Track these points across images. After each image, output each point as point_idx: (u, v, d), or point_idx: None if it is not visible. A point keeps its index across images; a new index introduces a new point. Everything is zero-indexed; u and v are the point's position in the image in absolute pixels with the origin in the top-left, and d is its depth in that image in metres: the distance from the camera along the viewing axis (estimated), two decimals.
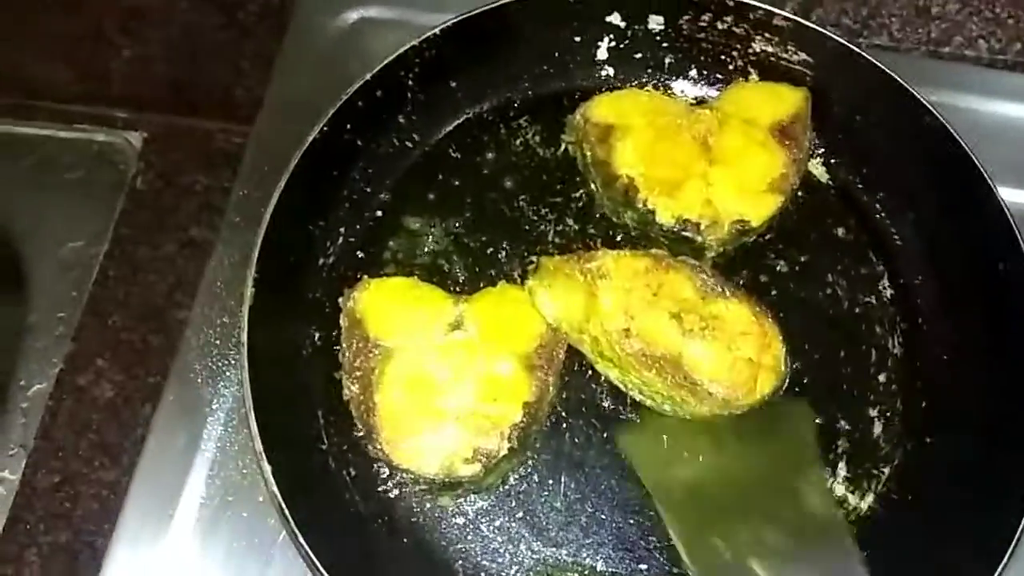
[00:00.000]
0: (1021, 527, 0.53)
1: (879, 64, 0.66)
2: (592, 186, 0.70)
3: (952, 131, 0.64)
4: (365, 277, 0.63)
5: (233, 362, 0.67)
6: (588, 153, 0.69)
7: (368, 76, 0.65)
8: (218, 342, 0.68)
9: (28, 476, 0.68)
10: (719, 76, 0.74)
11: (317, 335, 0.64)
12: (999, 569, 0.52)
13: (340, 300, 0.62)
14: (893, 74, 0.66)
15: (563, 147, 0.72)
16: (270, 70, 0.77)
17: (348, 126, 0.65)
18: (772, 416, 0.62)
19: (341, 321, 0.62)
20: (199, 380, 0.67)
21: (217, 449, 0.64)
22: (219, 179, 0.77)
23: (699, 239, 0.65)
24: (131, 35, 0.87)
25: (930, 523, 0.59)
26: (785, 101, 0.69)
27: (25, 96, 0.84)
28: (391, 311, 0.61)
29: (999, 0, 0.87)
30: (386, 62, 0.66)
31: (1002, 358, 0.61)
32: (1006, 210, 0.62)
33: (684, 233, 0.65)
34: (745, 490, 0.60)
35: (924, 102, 0.65)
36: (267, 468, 0.54)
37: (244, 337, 0.57)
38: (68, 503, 0.67)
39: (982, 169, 0.63)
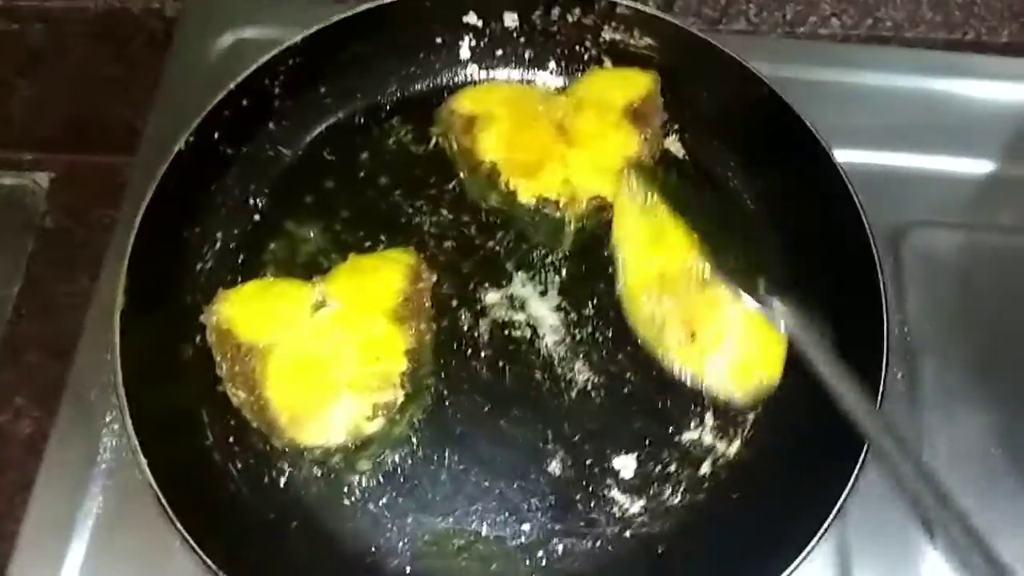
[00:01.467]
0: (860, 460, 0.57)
1: (713, 42, 0.71)
2: (461, 176, 0.73)
3: (783, 98, 0.69)
4: (221, 290, 0.65)
5: None
6: (454, 144, 0.73)
7: (232, 85, 0.68)
8: (108, 358, 0.68)
9: None
10: (576, 66, 0.78)
11: (197, 339, 0.65)
12: (849, 483, 0.56)
13: (202, 318, 0.64)
14: (726, 49, 0.71)
15: (433, 141, 0.75)
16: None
17: (216, 135, 0.68)
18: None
19: (208, 337, 0.63)
20: (91, 396, 0.67)
21: (112, 460, 0.65)
22: (124, 212, 0.77)
23: (559, 215, 0.69)
24: (27, 76, 0.89)
25: (791, 459, 0.63)
26: (636, 84, 0.73)
27: None
28: (255, 313, 0.63)
29: None
30: (249, 71, 0.69)
31: (843, 306, 0.66)
32: (840, 170, 0.67)
33: (545, 211, 0.69)
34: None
35: (758, 74, 0.70)
36: (149, 475, 0.55)
37: (115, 340, 0.58)
38: None
39: (814, 131, 0.68)
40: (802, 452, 0.62)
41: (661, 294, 0.65)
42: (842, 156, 0.71)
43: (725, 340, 0.64)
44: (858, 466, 0.57)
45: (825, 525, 0.55)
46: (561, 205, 0.69)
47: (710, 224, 0.67)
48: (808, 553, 0.55)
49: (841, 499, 0.56)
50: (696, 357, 0.64)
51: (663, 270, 0.66)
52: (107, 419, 0.66)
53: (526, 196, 0.69)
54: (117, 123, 0.86)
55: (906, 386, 0.70)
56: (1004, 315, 0.74)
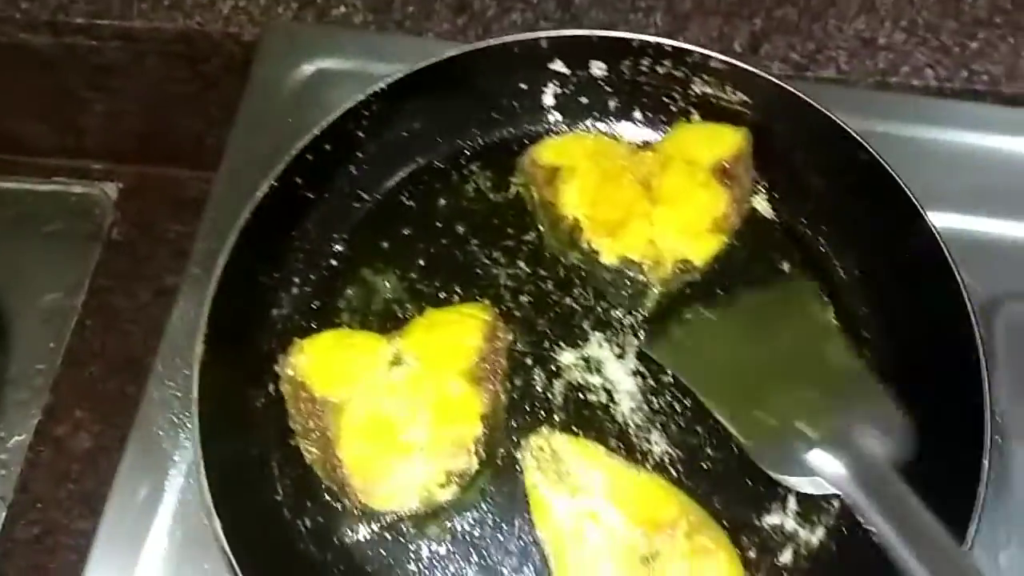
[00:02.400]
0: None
1: (810, 101, 0.68)
2: (540, 228, 0.71)
3: (883, 162, 0.66)
4: (296, 340, 0.64)
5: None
6: (535, 195, 0.71)
7: (316, 130, 0.67)
8: (179, 395, 0.68)
9: (8, 528, 0.69)
10: (662, 118, 0.76)
11: (271, 387, 0.64)
12: None
13: (276, 368, 0.63)
14: (824, 110, 0.68)
15: (512, 191, 0.74)
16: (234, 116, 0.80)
17: (298, 180, 0.67)
18: (785, 299, 0.68)
19: (283, 388, 0.63)
20: (160, 433, 0.67)
21: (179, 501, 0.65)
22: (192, 226, 0.78)
23: (642, 278, 0.66)
24: (101, 91, 0.90)
25: (877, 552, 0.59)
26: (725, 141, 0.71)
27: (3, 151, 0.87)
28: (330, 366, 0.62)
29: (944, 28, 0.89)
30: (334, 116, 0.68)
31: (944, 378, 0.62)
32: (937, 236, 0.64)
33: (627, 272, 0.67)
34: (775, 364, 0.64)
35: (856, 136, 0.67)
36: (216, 524, 0.55)
37: (194, 392, 0.58)
38: (47, 554, 0.68)
39: (913, 198, 0.65)
40: None
41: None
42: (931, 220, 0.67)
43: None
44: None
45: None
46: (645, 268, 0.66)
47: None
48: None
49: None
50: None
51: (601, 552, 0.56)
52: (176, 458, 0.66)
53: (608, 256, 0.67)
54: (187, 138, 0.88)
55: (995, 475, 0.65)
56: None
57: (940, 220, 0.65)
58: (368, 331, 0.66)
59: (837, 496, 0.62)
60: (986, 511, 0.62)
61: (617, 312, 0.69)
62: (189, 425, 0.67)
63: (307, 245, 0.70)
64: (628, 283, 0.67)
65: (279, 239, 0.68)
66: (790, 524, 0.62)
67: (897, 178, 0.65)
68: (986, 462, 0.56)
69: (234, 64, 0.88)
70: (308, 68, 0.82)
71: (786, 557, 0.61)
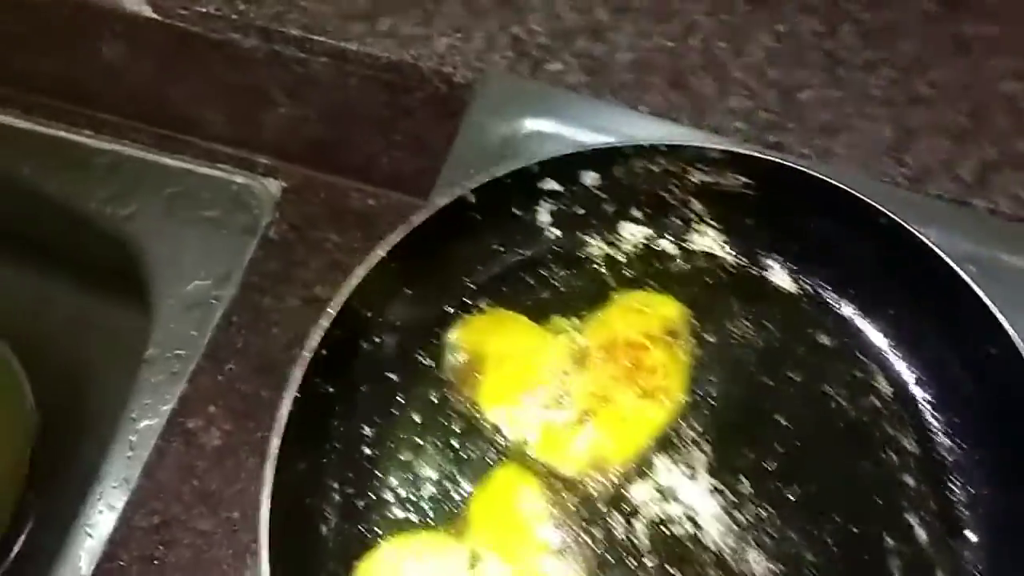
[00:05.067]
0: None
1: (813, 172, 0.67)
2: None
3: (902, 222, 0.66)
4: (355, 563, 0.59)
5: None
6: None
7: (324, 322, 0.61)
8: None
9: (128, 513, 0.68)
10: (661, 211, 0.73)
11: None
12: None
13: None
14: (827, 178, 0.66)
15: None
16: (419, 147, 0.83)
17: (317, 379, 0.61)
18: None
19: None
20: None
21: None
22: (349, 239, 0.79)
23: None
24: (293, 96, 0.88)
25: None
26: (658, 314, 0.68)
27: (176, 130, 0.88)
28: None
29: None
30: (339, 305, 0.62)
31: (1008, 428, 0.63)
32: (973, 286, 0.64)
33: None
34: None
35: (866, 200, 0.66)
36: None
37: None
38: (162, 546, 0.67)
39: (940, 253, 0.64)
40: None
41: None
42: None
43: None
44: None
45: None
46: None
47: None
48: None
49: None
50: None
51: None
52: None
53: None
54: (362, 152, 0.87)
55: None
56: None
57: None
58: (430, 529, 0.61)
59: (942, 567, 0.62)
60: None
61: (675, 427, 0.66)
62: None
63: (336, 442, 0.64)
64: None
65: (311, 449, 0.62)
66: None
67: (921, 236, 0.65)
68: None
69: (435, 101, 0.85)
70: (524, 126, 0.79)
71: None
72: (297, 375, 0.59)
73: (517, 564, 0.58)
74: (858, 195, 0.66)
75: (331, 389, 0.63)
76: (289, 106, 0.89)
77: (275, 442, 0.57)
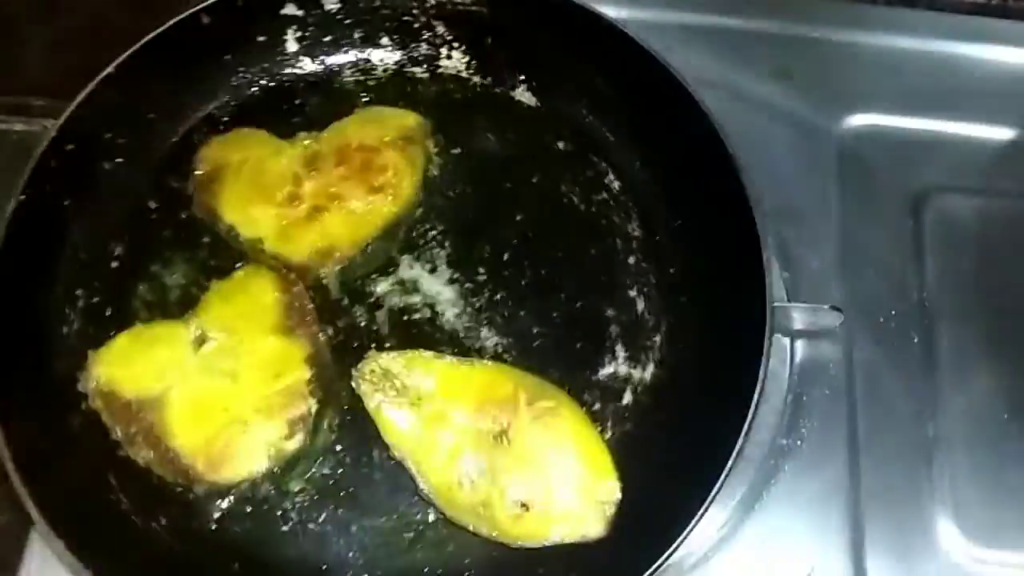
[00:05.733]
0: (765, 349, 0.59)
1: None
2: None
3: (617, 25, 0.69)
4: (90, 352, 0.61)
5: None
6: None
7: (53, 131, 0.63)
8: None
9: None
10: (408, 37, 0.76)
11: (83, 405, 0.61)
12: (756, 388, 0.58)
13: (78, 386, 0.60)
14: None
15: None
16: None
17: (48, 188, 0.63)
18: None
19: (92, 403, 0.60)
20: None
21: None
22: None
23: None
24: (41, 24, 0.85)
25: (703, 370, 0.65)
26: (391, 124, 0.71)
27: None
28: (134, 367, 0.60)
29: None
30: (68, 112, 0.64)
31: (720, 210, 0.68)
32: (678, 77, 0.68)
33: None
34: None
35: (589, 8, 0.70)
36: (60, 545, 0.52)
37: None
38: None
39: (648, 49, 0.69)
40: (713, 359, 0.65)
41: (472, 477, 0.57)
42: (865, 119, 0.74)
43: (558, 490, 0.57)
44: (762, 365, 0.59)
45: (746, 423, 0.57)
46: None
47: None
48: (737, 452, 0.57)
49: (756, 391, 0.58)
50: (536, 524, 0.57)
51: (458, 446, 0.58)
52: None
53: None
54: None
55: (921, 351, 0.72)
56: (1021, 284, 0.75)
57: (870, 120, 0.71)
58: (164, 321, 0.64)
59: (657, 332, 0.68)
60: (913, 385, 0.70)
61: (420, 229, 0.70)
62: None
63: (82, 254, 0.66)
64: None
65: (46, 256, 0.64)
66: (623, 369, 0.66)
67: (642, 44, 0.68)
68: (764, 262, 0.61)
69: None
70: None
71: (627, 399, 0.65)
72: (22, 178, 0.61)
73: (242, 342, 0.61)
74: (578, 2, 0.71)
75: (67, 202, 0.65)
76: (41, 36, 0.84)
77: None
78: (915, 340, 0.72)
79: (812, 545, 0.66)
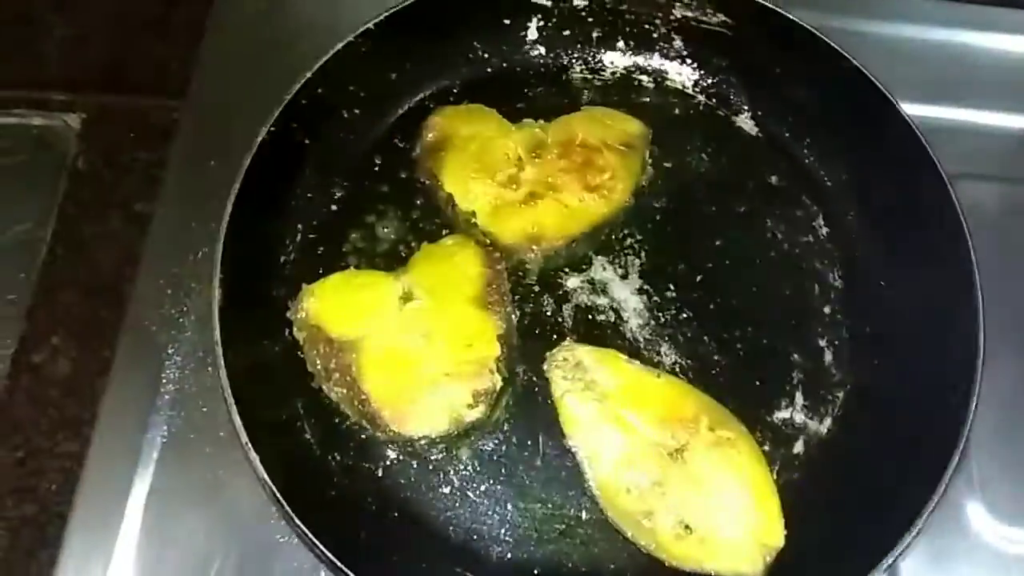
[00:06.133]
0: (967, 423, 0.57)
1: (788, 15, 0.70)
2: None
3: (864, 70, 0.68)
4: (305, 286, 0.64)
5: (185, 309, 0.69)
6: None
7: (308, 74, 0.67)
8: (169, 291, 0.70)
9: None
10: (644, 44, 0.77)
11: (287, 333, 0.65)
12: (950, 467, 0.56)
13: (289, 315, 0.64)
14: (801, 22, 0.70)
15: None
16: (201, 40, 0.79)
17: (294, 125, 0.67)
18: None
19: (297, 335, 0.64)
20: (153, 328, 0.69)
21: (176, 391, 0.67)
22: (157, 153, 0.78)
23: None
24: (62, 14, 0.87)
25: (883, 434, 0.63)
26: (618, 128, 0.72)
27: None
28: (343, 308, 0.63)
29: None
30: (324, 59, 0.68)
31: (936, 277, 0.66)
32: (916, 130, 0.66)
33: None
34: None
35: (835, 47, 0.69)
36: (255, 457, 0.56)
37: (216, 336, 0.58)
38: (33, 477, 0.68)
39: (892, 99, 0.67)
40: (894, 429, 0.63)
41: (641, 485, 0.58)
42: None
43: (724, 521, 0.57)
44: (963, 437, 0.57)
45: (929, 508, 0.55)
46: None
47: None
48: (915, 532, 0.55)
49: (946, 475, 0.56)
50: (695, 549, 0.57)
51: (633, 452, 0.59)
52: (169, 351, 0.68)
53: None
54: (149, 64, 0.85)
55: None
56: None
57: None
58: (374, 270, 0.67)
59: (841, 388, 0.66)
60: None
61: (618, 234, 0.71)
62: (181, 320, 0.69)
63: (308, 192, 0.70)
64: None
65: (280, 187, 0.68)
66: (799, 417, 0.65)
67: (880, 85, 0.68)
68: (981, 335, 0.59)
69: None
70: None
71: (798, 447, 0.64)
72: (274, 113, 0.65)
73: (445, 307, 0.63)
74: (825, 39, 0.70)
75: (307, 141, 0.69)
76: (63, 27, 0.85)
77: (245, 163, 0.63)
78: None
79: None
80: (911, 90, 0.76)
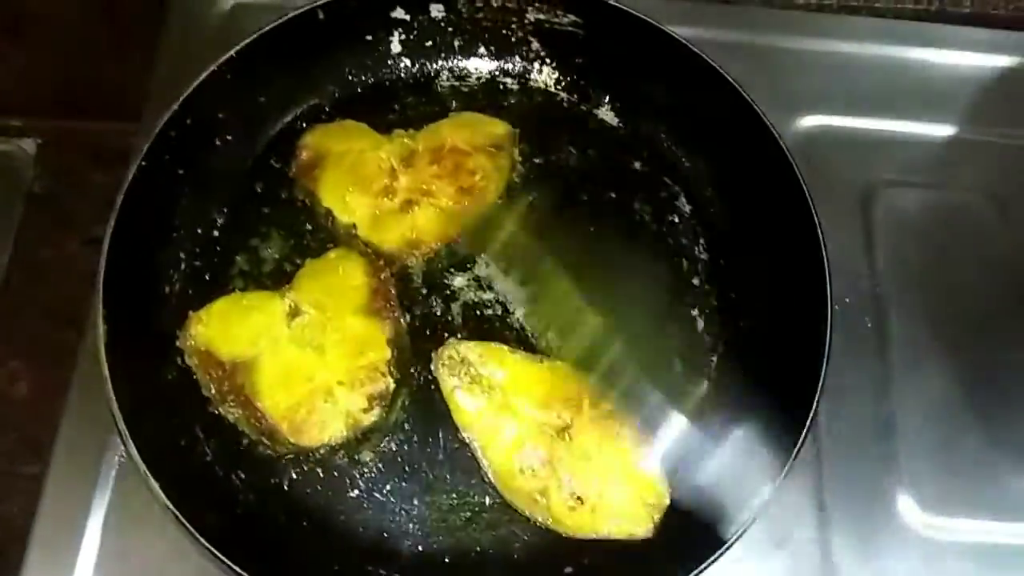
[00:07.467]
0: (820, 379, 0.63)
1: (633, 12, 0.75)
2: None
3: (703, 55, 0.73)
4: (191, 313, 0.66)
5: None
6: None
7: (175, 106, 0.68)
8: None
9: None
10: (505, 49, 0.81)
11: (179, 360, 0.66)
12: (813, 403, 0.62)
13: (177, 343, 0.65)
14: (645, 17, 0.74)
15: None
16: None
17: (166, 157, 0.68)
18: None
19: (188, 362, 0.65)
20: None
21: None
22: (114, 176, 0.74)
23: None
24: (16, 39, 0.85)
25: (752, 389, 0.68)
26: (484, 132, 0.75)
27: None
28: (230, 331, 0.65)
29: None
30: (189, 90, 0.69)
31: (784, 240, 0.71)
32: (755, 107, 0.72)
33: None
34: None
35: (678, 38, 0.74)
36: (155, 485, 0.57)
37: (105, 371, 0.59)
38: None
39: (739, 88, 0.73)
40: (764, 383, 0.68)
41: (533, 466, 0.62)
42: (815, 120, 0.80)
43: (611, 489, 0.61)
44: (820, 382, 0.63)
45: (797, 448, 0.61)
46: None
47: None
48: (784, 474, 0.60)
49: (810, 415, 0.61)
50: (588, 517, 0.61)
51: (522, 436, 0.62)
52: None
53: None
54: (104, 88, 0.85)
55: (875, 336, 0.76)
56: (965, 271, 0.79)
57: (820, 121, 0.77)
58: (261, 291, 0.69)
59: (715, 352, 0.72)
60: (868, 369, 0.74)
61: (497, 231, 0.74)
62: None
63: (189, 221, 0.71)
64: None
65: (159, 220, 0.69)
66: (678, 384, 0.70)
67: (719, 69, 0.73)
68: (828, 290, 0.65)
69: (150, 3, 0.84)
70: (227, 2, 0.83)
71: (680, 412, 0.68)
72: (144, 146, 0.66)
73: (332, 319, 0.66)
74: (669, 32, 0.75)
75: (181, 171, 0.70)
76: (17, 53, 0.84)
77: (119, 198, 0.64)
78: (868, 325, 0.76)
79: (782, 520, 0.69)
80: (838, 102, 0.84)
